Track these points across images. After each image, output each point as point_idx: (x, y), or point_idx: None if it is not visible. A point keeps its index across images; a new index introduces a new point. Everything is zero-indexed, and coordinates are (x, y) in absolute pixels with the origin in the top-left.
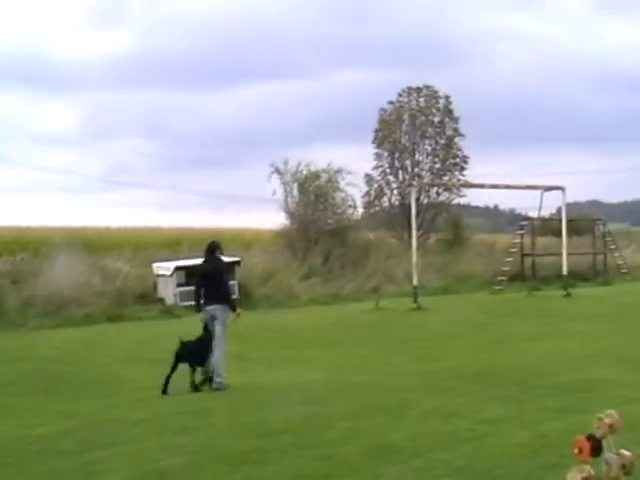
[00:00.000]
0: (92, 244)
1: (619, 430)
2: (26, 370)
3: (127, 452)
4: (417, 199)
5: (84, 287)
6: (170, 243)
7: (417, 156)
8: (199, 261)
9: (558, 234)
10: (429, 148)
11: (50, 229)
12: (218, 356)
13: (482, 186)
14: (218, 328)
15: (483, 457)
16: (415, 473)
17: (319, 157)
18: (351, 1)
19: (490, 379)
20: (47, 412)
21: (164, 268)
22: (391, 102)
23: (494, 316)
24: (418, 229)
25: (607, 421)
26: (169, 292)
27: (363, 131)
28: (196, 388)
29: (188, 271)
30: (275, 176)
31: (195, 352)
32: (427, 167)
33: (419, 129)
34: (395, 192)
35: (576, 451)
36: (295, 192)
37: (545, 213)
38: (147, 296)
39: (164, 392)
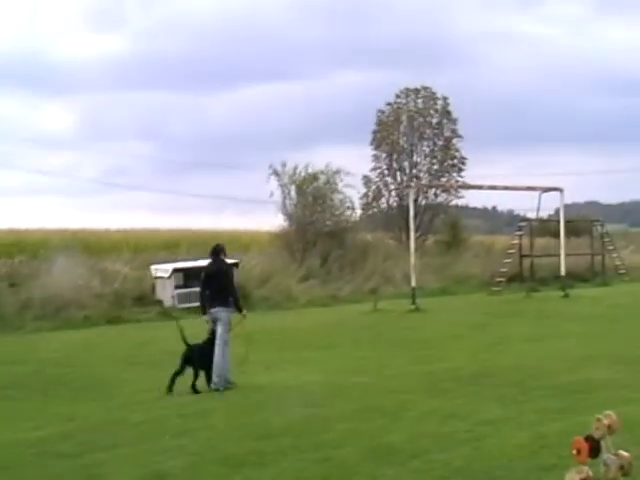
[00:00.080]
0: (90, 246)
1: (617, 431)
2: (25, 373)
3: (126, 454)
4: (415, 200)
5: (83, 289)
6: (168, 245)
7: (415, 157)
8: (197, 263)
9: (556, 235)
10: (427, 149)
11: (48, 231)
12: (219, 356)
13: (480, 187)
14: (220, 329)
15: (481, 458)
16: (413, 474)
17: (317, 158)
18: (349, 3)
19: (488, 380)
20: (46, 415)
21: (162, 270)
22: (389, 103)
23: (492, 317)
24: (416, 230)
25: (605, 422)
26: (167, 294)
27: (361, 132)
28: (195, 390)
29: (186, 273)
30: (273, 178)
31: (201, 355)
32: (425, 168)
33: (417, 130)
34: (393, 193)
35: (574, 452)
36: (293, 194)
37: (543, 214)
38: (145, 298)
39: (170, 390)
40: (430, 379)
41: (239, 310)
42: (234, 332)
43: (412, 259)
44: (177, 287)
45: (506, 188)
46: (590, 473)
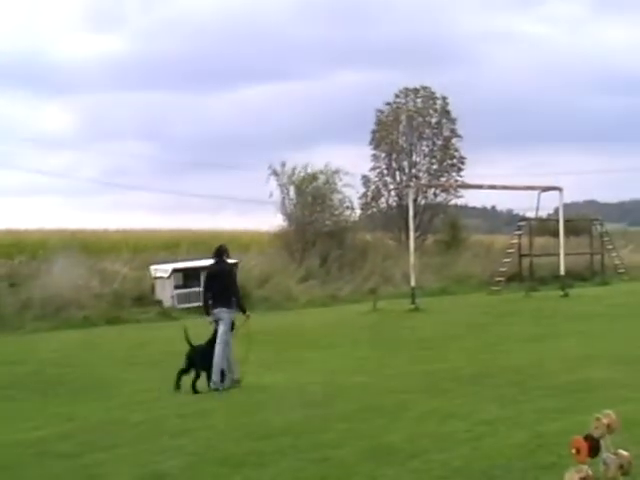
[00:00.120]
0: (90, 246)
1: (617, 430)
2: (24, 373)
3: (126, 454)
4: (414, 200)
5: (82, 289)
6: (168, 245)
7: (414, 157)
8: (197, 263)
9: (556, 234)
10: (426, 149)
11: (48, 232)
12: (218, 356)
13: (480, 187)
14: (222, 329)
15: (480, 458)
16: (412, 474)
17: (317, 158)
18: (349, 2)
19: (488, 380)
20: (45, 415)
21: (162, 270)
22: (388, 103)
23: (492, 317)
24: (415, 230)
25: (605, 421)
26: (167, 294)
27: (361, 132)
28: (195, 390)
29: (186, 273)
30: (272, 178)
31: (203, 356)
32: (424, 168)
33: (416, 130)
34: (392, 193)
35: (574, 451)
36: (292, 194)
37: (542, 213)
38: (145, 298)
39: (177, 387)
40: (429, 379)
41: (243, 311)
42: (239, 332)
43: (411, 259)
44: (176, 287)
45: (505, 187)
46: (589, 472)
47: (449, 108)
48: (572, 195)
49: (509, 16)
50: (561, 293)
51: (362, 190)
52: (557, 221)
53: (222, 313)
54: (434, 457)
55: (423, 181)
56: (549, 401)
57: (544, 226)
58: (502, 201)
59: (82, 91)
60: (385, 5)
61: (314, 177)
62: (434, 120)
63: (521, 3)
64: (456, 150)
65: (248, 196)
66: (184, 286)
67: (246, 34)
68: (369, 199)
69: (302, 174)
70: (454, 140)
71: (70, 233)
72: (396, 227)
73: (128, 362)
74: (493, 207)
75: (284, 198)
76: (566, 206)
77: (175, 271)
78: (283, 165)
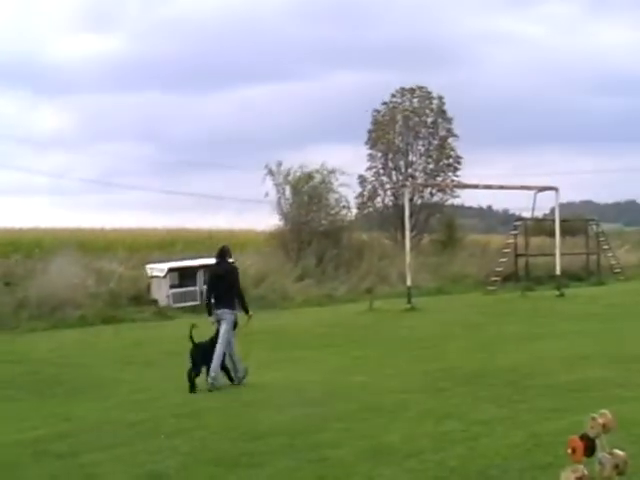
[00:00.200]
0: (86, 246)
1: (612, 430)
2: (21, 372)
3: (122, 454)
4: (411, 200)
5: (78, 289)
6: (164, 244)
7: (410, 157)
8: (192, 262)
9: (551, 234)
10: (422, 149)
11: (44, 231)
12: (217, 356)
13: (476, 187)
14: (223, 329)
15: (476, 458)
16: (409, 474)
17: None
18: (345, 3)
19: (484, 380)
20: (42, 414)
21: (157, 269)
22: (384, 103)
23: (488, 317)
24: (412, 230)
25: (600, 421)
26: (162, 293)
27: (357, 132)
28: (192, 389)
29: (181, 272)
30: (269, 178)
31: (205, 354)
32: (421, 168)
33: (412, 130)
34: (389, 193)
35: (570, 451)
36: (288, 193)
37: (538, 213)
38: (141, 297)
39: (192, 390)
40: (426, 378)
41: (245, 311)
42: (242, 332)
43: (407, 258)
44: (172, 286)
45: (501, 187)
46: (585, 472)
47: (445, 108)
48: (568, 195)
49: (505, 16)
50: (557, 293)
51: (358, 190)
52: (553, 221)
53: (225, 314)
54: (431, 457)
55: (419, 181)
56: (545, 401)
57: (540, 226)
58: (498, 201)
59: (79, 91)
60: (382, 5)
61: (310, 177)
62: (430, 120)
63: (517, 3)
64: (452, 150)
65: (244, 196)
66: (180, 285)
67: (243, 35)
68: (365, 199)
69: (298, 174)
70: (450, 140)
71: (66, 232)
72: (392, 227)
73: (124, 362)
74: (489, 207)
75: (280, 198)
76: (562, 206)
77: (171, 270)
78: (279, 165)
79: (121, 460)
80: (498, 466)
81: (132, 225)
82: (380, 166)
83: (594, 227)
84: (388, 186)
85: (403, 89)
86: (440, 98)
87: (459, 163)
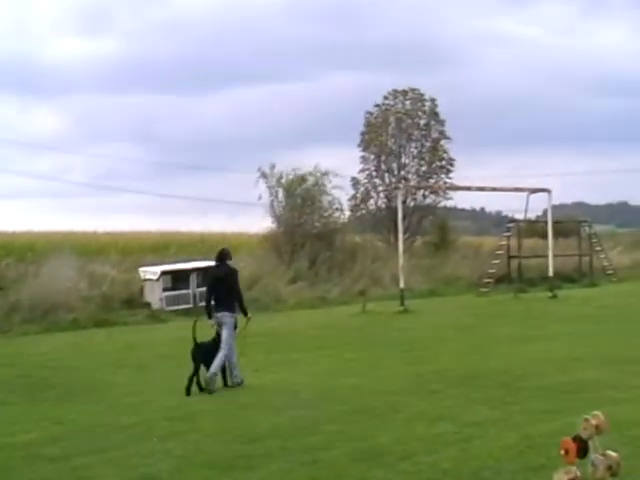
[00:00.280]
0: (79, 249)
1: (605, 431)
2: (13, 376)
3: (114, 457)
4: (403, 202)
5: (71, 292)
6: (157, 247)
7: (403, 159)
8: (186, 265)
9: (544, 236)
10: (415, 151)
11: (36, 234)
12: (220, 359)
13: (468, 189)
14: (225, 333)
15: (469, 460)
16: (402, 476)
17: (307, 160)
18: (339, 5)
19: (476, 382)
20: (34, 418)
21: (151, 272)
22: (377, 105)
23: (480, 318)
24: (404, 232)
25: (593, 422)
26: (155, 296)
27: (351, 134)
28: (196, 385)
29: (175, 275)
30: (261, 180)
31: (205, 353)
32: (413, 170)
33: (405, 132)
34: (381, 195)
35: (562, 452)
36: (281, 196)
37: (531, 215)
38: (134, 300)
39: (201, 389)
40: (419, 380)
41: (244, 313)
42: (241, 334)
43: (400, 260)
44: (165, 289)
45: (494, 189)
46: (578, 473)
47: (438, 110)
48: (560, 197)
49: (498, 18)
50: (550, 294)
51: (351, 192)
52: (546, 223)
53: (225, 317)
54: (423, 459)
55: (412, 183)
56: (538, 402)
57: (533, 228)
58: (491, 203)
59: (72, 93)
60: (375, 7)
61: (303, 179)
62: (423, 122)
63: (510, 5)
64: (445, 152)
65: (237, 198)
66: (173, 288)
67: (236, 36)
68: (358, 201)
69: (291, 176)
70: (443, 142)
71: (59, 235)
72: (385, 229)
73: (117, 365)
74: (482, 209)
75: (273, 200)
76: (555, 208)
77: (164, 273)
78: (272, 167)
79: (113, 463)
80: (491, 468)
81: (125, 228)
82: (373, 168)
83: (587, 229)
84: (381, 188)
85: (396, 91)
86: (433, 100)
87: (452, 165)
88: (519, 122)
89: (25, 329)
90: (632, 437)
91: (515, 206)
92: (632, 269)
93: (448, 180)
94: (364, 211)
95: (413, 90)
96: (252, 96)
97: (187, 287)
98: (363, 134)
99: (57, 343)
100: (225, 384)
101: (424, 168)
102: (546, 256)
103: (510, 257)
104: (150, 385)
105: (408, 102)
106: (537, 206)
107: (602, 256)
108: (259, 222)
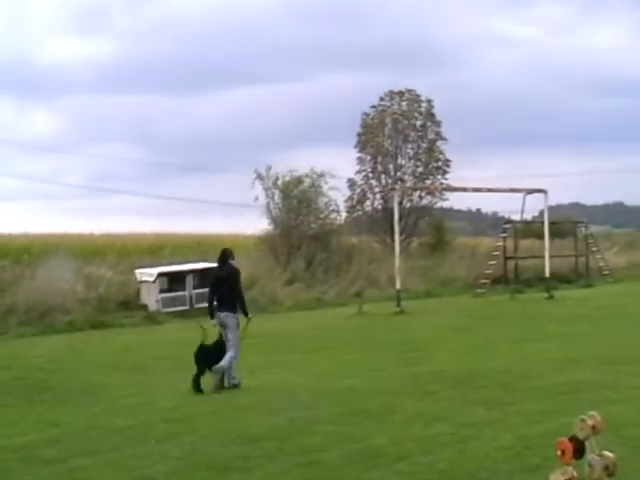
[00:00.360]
0: (75, 251)
1: (602, 432)
2: (9, 378)
3: (111, 459)
4: (400, 203)
5: (67, 294)
6: (153, 249)
7: (399, 160)
8: (182, 267)
9: (540, 237)
10: (411, 152)
11: (32, 236)
12: (227, 360)
13: (464, 190)
14: (230, 336)
15: (465, 460)
16: (398, 477)
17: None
18: (334, 5)
19: (473, 382)
20: (30, 420)
21: (147, 274)
22: (373, 106)
23: (477, 319)
24: (401, 233)
25: (590, 423)
26: (152, 298)
27: (347, 135)
28: (195, 385)
29: (171, 277)
30: (258, 182)
31: (208, 355)
32: (410, 171)
33: (401, 133)
34: (378, 196)
35: (559, 453)
36: (277, 198)
37: (527, 216)
38: (130, 302)
39: (198, 390)
40: (415, 381)
41: (245, 313)
42: (242, 335)
43: (397, 262)
44: (162, 291)
45: (490, 190)
46: (574, 474)
47: (434, 111)
48: (557, 197)
49: (497, 18)
50: (546, 295)
51: (348, 193)
52: (542, 223)
53: (228, 318)
54: (420, 460)
55: (408, 184)
56: (534, 403)
57: (529, 228)
58: (487, 204)
59: (68, 94)
60: (371, 7)
61: (299, 180)
62: (419, 123)
63: (506, 5)
64: (441, 153)
65: (233, 200)
66: (169, 290)
67: (232, 36)
68: (355, 202)
69: (287, 178)
70: (439, 143)
71: (55, 237)
72: (381, 230)
73: (113, 367)
74: (478, 210)
75: (269, 202)
76: (551, 208)
77: (160, 275)
78: (269, 169)
79: (110, 465)
80: (487, 469)
81: (121, 230)
82: (369, 169)
83: (583, 229)
84: (377, 189)
85: (392, 92)
86: (429, 101)
87: (448, 166)
88: (515, 123)
89: (21, 331)
90: (628, 437)
91: (511, 207)
92: (628, 269)
93: (444, 181)
94: (360, 212)
95: (409, 91)
96: (248, 97)
97: (183, 289)
98: (359, 135)
99: (53, 345)
100: (222, 385)
101: (420, 169)
102: (542, 257)
103: (506, 258)
104: (147, 387)
105: (404, 103)
106: (533, 207)
107: (598, 257)
108: (255, 224)
